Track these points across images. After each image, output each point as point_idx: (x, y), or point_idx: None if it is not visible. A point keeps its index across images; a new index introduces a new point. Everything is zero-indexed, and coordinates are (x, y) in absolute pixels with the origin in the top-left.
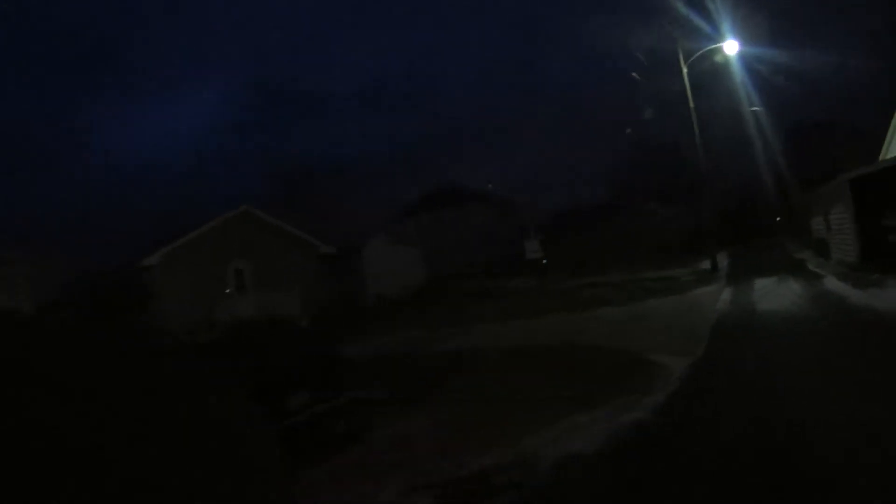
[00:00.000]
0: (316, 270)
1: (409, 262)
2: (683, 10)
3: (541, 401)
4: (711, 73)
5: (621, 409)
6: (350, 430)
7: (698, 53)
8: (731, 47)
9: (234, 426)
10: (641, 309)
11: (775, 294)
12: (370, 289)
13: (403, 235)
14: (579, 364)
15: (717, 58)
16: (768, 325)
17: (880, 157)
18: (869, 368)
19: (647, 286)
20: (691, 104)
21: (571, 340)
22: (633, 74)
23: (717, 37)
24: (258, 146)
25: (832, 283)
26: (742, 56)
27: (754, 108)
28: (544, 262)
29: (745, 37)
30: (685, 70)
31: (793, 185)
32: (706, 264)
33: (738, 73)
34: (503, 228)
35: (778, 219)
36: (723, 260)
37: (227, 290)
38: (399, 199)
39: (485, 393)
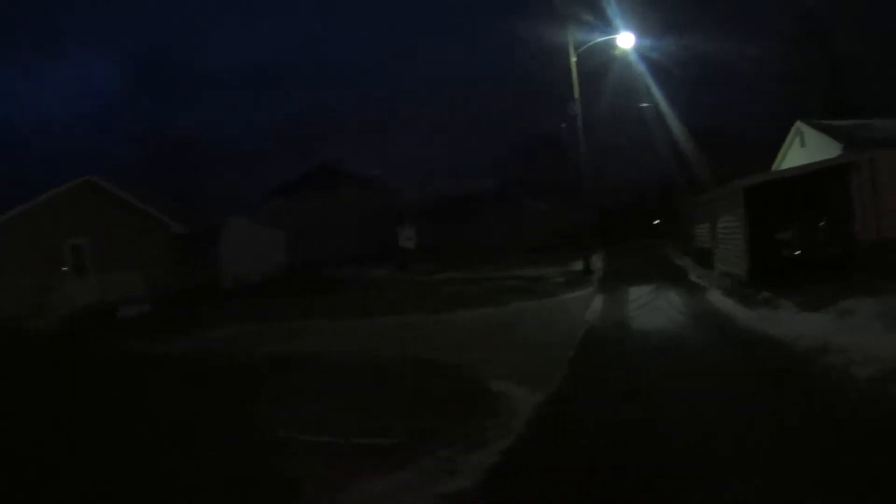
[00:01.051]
0: (166, 250)
1: (273, 246)
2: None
3: (332, 451)
4: (605, 69)
5: (435, 474)
6: None
7: (589, 43)
8: (626, 40)
9: None
10: (502, 314)
11: (653, 307)
12: (228, 272)
13: (270, 217)
14: (406, 393)
15: (616, 51)
16: (643, 352)
17: (773, 168)
18: (780, 436)
19: (516, 286)
20: (576, 94)
21: (411, 353)
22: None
23: (614, 30)
24: (137, 120)
25: (717, 299)
26: (641, 52)
27: (644, 105)
28: (412, 252)
29: (644, 31)
30: (574, 59)
31: (676, 189)
32: (579, 265)
33: (634, 69)
34: (381, 215)
35: (656, 222)
36: (598, 262)
37: (64, 269)
38: (274, 181)
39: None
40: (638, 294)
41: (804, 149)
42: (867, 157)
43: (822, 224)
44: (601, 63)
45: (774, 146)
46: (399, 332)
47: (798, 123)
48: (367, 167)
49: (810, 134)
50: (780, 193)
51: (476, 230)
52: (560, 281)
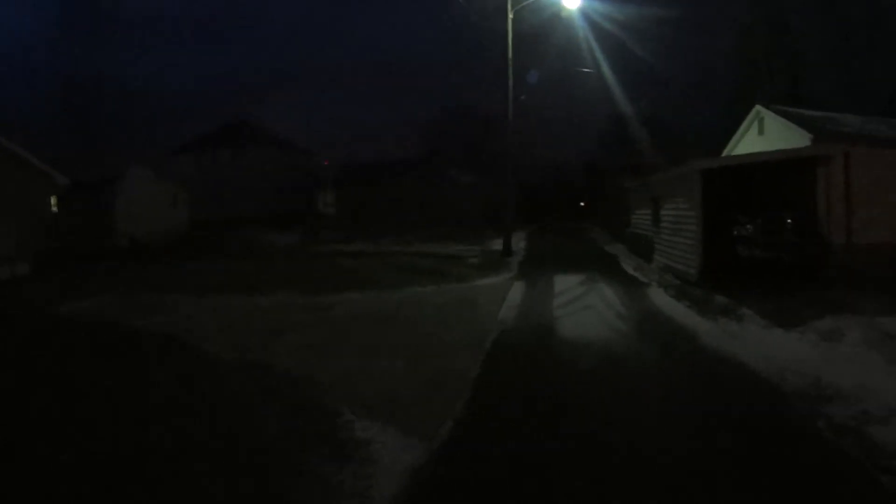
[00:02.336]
0: (47, 204)
1: (176, 204)
2: None
3: None
4: (546, 33)
5: None
6: None
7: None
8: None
9: None
10: (398, 302)
11: (584, 306)
12: (123, 230)
13: (178, 173)
14: (220, 436)
15: (561, 12)
16: (573, 378)
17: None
18: None
19: (424, 265)
20: (510, 55)
21: (261, 359)
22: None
23: None
24: (48, 61)
25: (664, 301)
26: (590, 17)
27: (586, 70)
28: (328, 218)
29: None
30: (510, 16)
31: (610, 169)
32: (499, 244)
33: (578, 35)
34: (298, 177)
35: (582, 203)
36: (520, 242)
37: None
38: (188, 136)
39: None
40: (565, 286)
41: (762, 137)
42: (842, 150)
43: (789, 221)
44: (542, 27)
45: (721, 135)
46: (269, 318)
47: (757, 108)
48: (286, 128)
49: (771, 121)
50: (741, 182)
51: (397, 199)
52: (475, 262)
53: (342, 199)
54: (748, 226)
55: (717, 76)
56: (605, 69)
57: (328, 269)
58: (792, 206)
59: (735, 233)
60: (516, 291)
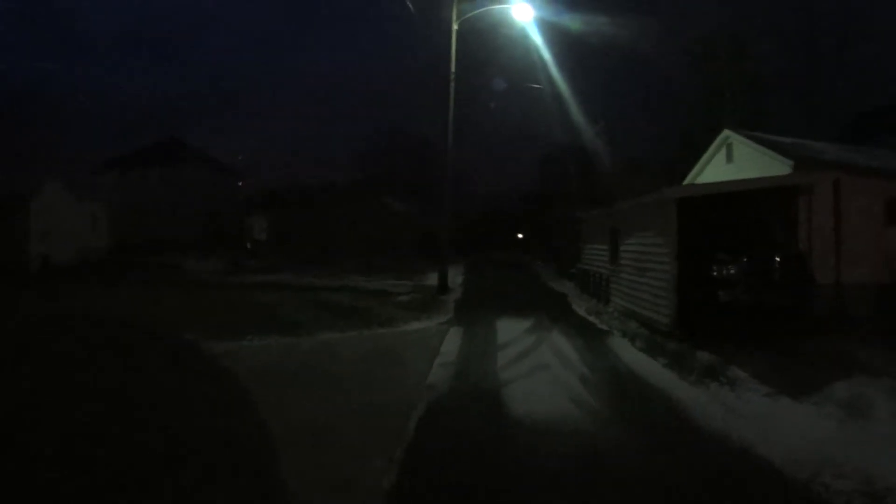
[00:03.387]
0: None
1: (94, 224)
2: None
3: None
4: (494, 49)
5: None
6: None
7: (474, 13)
8: (522, 12)
9: None
10: (303, 356)
11: (536, 364)
12: (35, 250)
13: (102, 191)
14: None
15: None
16: (535, 486)
17: None
18: None
19: (348, 303)
20: (453, 68)
21: None
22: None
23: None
24: None
25: (634, 358)
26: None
27: (534, 86)
28: (258, 244)
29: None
30: (455, 27)
31: (552, 197)
32: (434, 278)
33: (529, 55)
34: (229, 200)
35: (520, 235)
36: (457, 276)
37: None
38: (113, 150)
39: None
40: (510, 334)
41: (731, 164)
42: (831, 178)
43: (777, 260)
44: (488, 45)
45: (680, 163)
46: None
47: (726, 133)
48: (222, 151)
49: (742, 146)
50: (713, 214)
51: (329, 226)
52: (407, 300)
53: (273, 224)
54: (729, 265)
55: (672, 103)
56: (559, 86)
57: (238, 305)
58: (769, 241)
59: (715, 273)
60: (452, 341)
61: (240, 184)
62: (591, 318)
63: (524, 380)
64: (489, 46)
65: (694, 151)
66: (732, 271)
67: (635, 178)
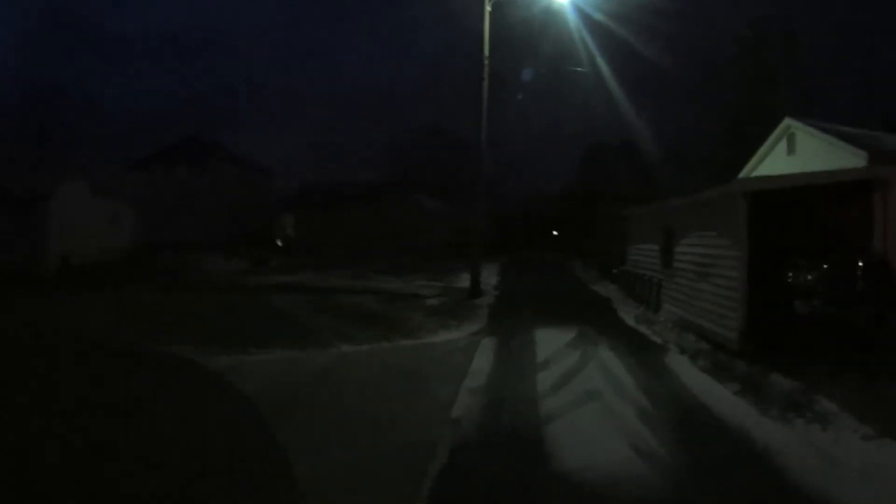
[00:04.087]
0: None
1: (117, 224)
2: None
3: None
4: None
5: None
6: None
7: None
8: None
9: None
10: (308, 378)
11: (584, 392)
12: (55, 250)
13: (129, 190)
14: None
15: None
16: None
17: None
18: None
19: (371, 308)
20: (486, 52)
21: None
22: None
23: None
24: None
25: (699, 382)
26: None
27: (577, 69)
28: (285, 245)
29: None
30: (488, 8)
31: (594, 195)
32: (467, 280)
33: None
34: (256, 199)
35: (556, 233)
36: (492, 277)
37: None
38: (143, 150)
39: None
40: (551, 348)
41: (793, 157)
42: None
43: (861, 265)
44: (525, 32)
45: (733, 157)
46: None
47: (787, 122)
48: (252, 150)
49: (806, 137)
50: (789, 212)
51: (360, 225)
52: (436, 304)
53: (302, 223)
54: (809, 272)
55: (717, 93)
56: (601, 74)
57: (252, 310)
58: (844, 243)
59: (791, 282)
60: (483, 358)
61: (273, 183)
62: (642, 329)
63: (570, 413)
64: (526, 33)
65: (743, 143)
66: (811, 278)
67: (683, 174)
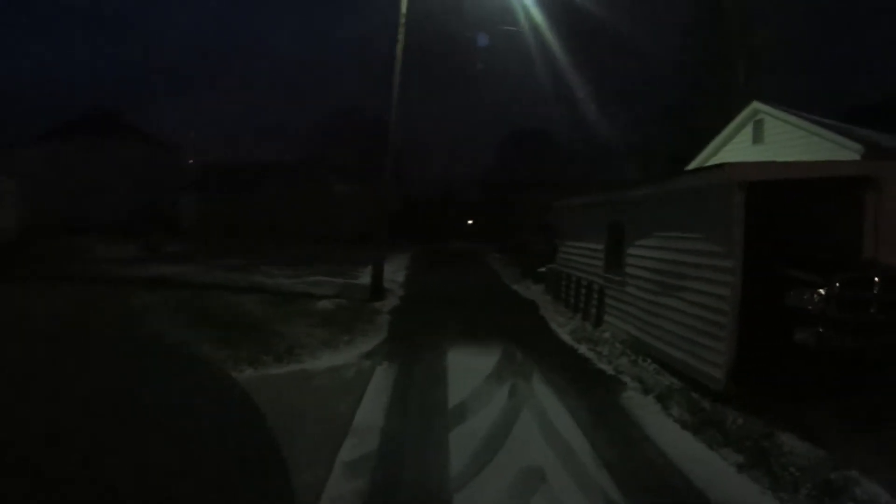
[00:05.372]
0: None
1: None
2: None
3: None
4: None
5: None
6: None
7: None
8: None
9: None
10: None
11: (518, 464)
12: None
13: (21, 167)
14: None
15: None
16: None
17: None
18: None
19: (242, 311)
20: (403, 9)
21: None
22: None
23: None
24: None
25: (683, 449)
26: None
27: (509, 28)
28: (181, 228)
29: None
30: None
31: (515, 183)
32: (368, 275)
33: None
34: (163, 178)
35: (470, 221)
36: (399, 271)
37: None
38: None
39: None
40: (469, 380)
41: (759, 146)
42: None
43: (876, 281)
44: None
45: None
46: None
47: (755, 107)
48: (164, 129)
49: (776, 125)
50: (783, 213)
51: (268, 207)
52: (329, 307)
53: (206, 206)
54: (812, 290)
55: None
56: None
57: (95, 311)
58: (845, 254)
59: (791, 302)
60: (376, 400)
61: (185, 162)
62: (583, 349)
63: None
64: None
65: (694, 134)
66: (815, 298)
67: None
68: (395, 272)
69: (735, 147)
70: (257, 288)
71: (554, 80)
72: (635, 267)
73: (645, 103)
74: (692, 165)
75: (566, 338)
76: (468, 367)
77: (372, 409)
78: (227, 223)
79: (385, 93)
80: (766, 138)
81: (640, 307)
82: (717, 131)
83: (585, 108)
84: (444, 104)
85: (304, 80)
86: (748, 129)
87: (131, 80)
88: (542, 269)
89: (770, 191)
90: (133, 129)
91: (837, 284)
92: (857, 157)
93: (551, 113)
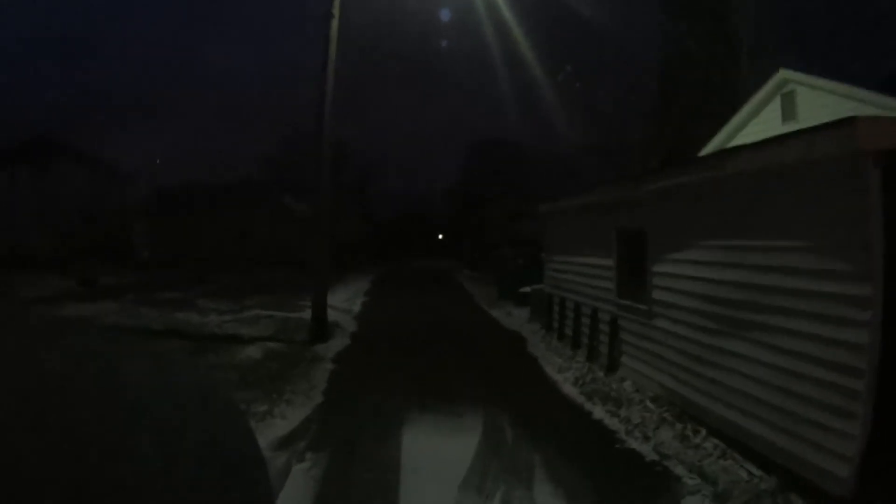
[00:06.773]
0: None
1: None
2: None
3: None
4: None
5: None
6: None
7: None
8: None
9: None
10: None
11: None
12: None
13: None
14: None
15: None
16: None
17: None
18: None
19: (149, 372)
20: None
21: None
22: None
23: None
24: None
25: None
26: None
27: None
28: (131, 257)
29: None
30: None
31: (486, 196)
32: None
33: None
34: (115, 206)
35: (441, 237)
36: (355, 300)
37: None
38: None
39: None
40: (433, 492)
41: (791, 124)
42: None
43: None
44: None
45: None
46: None
47: (783, 75)
48: (115, 155)
49: (811, 97)
50: None
51: (226, 230)
52: (256, 356)
53: (159, 232)
54: None
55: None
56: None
57: None
58: None
59: None
60: None
61: (134, 187)
62: (598, 412)
63: None
64: None
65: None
66: None
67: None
68: (352, 300)
69: (757, 128)
70: (176, 331)
71: (529, 71)
72: (670, 292)
73: (639, 101)
74: (708, 149)
75: (571, 391)
76: (434, 463)
77: None
78: (181, 250)
79: (346, 111)
80: (799, 114)
81: (682, 350)
82: (724, 115)
83: (576, 79)
84: (412, 118)
85: (263, 102)
86: (775, 104)
87: (83, 107)
88: (526, 290)
89: None
90: (80, 156)
91: None
92: None
93: (523, 119)
